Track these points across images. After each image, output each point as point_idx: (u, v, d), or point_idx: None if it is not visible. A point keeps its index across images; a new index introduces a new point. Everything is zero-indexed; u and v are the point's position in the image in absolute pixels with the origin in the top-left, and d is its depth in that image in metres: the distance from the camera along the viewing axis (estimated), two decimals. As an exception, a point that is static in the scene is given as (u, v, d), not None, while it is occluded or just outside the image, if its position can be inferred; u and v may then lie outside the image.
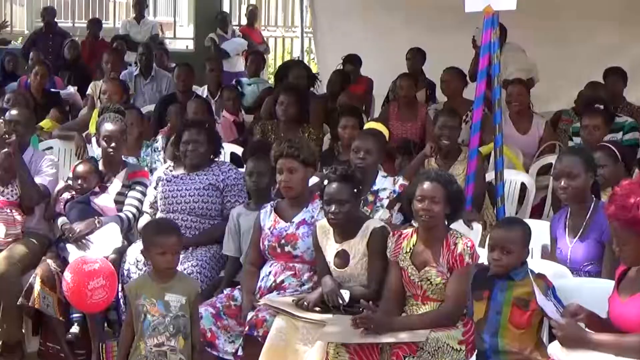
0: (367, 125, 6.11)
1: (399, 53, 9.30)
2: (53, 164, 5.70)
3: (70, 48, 10.56)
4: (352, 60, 9.28)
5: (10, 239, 5.39)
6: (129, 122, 6.06)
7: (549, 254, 4.89)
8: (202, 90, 8.79)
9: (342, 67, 9.14)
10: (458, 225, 4.67)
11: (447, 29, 9.31)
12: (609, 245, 4.37)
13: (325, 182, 4.56)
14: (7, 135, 5.31)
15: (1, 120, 5.45)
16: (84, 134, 7.29)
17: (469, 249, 4.19)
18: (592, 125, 6.12)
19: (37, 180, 5.50)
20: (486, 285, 4.09)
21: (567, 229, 4.68)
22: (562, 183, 4.62)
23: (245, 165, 5.29)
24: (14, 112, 5.75)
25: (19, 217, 5.46)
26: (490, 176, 5.85)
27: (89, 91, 8.58)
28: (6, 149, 5.34)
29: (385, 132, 5.81)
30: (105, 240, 5.23)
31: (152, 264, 4.35)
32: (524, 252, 4.10)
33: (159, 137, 6.73)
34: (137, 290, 4.28)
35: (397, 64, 9.02)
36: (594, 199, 4.67)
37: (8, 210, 5.44)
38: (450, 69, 7.77)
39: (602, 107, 6.51)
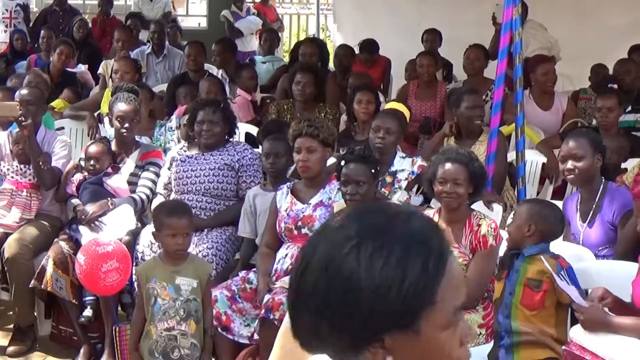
0: (388, 105, 6.01)
1: (414, 29, 9.14)
2: (65, 145, 5.62)
3: (79, 27, 10.41)
4: (369, 47, 8.86)
5: (23, 224, 5.34)
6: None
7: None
8: (218, 70, 8.61)
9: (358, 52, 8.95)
10: (478, 207, 4.59)
11: (464, 5, 9.14)
12: (621, 227, 4.36)
13: (342, 162, 4.48)
14: (22, 118, 5.22)
15: (17, 103, 5.35)
16: (95, 114, 7.18)
17: (492, 230, 4.13)
18: (606, 107, 5.90)
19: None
20: (507, 265, 3.98)
21: (578, 214, 4.61)
22: (569, 165, 4.54)
23: (261, 146, 5.19)
24: (24, 91, 5.64)
25: (35, 203, 5.41)
26: (511, 157, 5.74)
27: (100, 70, 8.44)
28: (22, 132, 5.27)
29: (407, 112, 5.72)
30: (118, 222, 5.17)
31: (162, 246, 4.27)
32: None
33: (173, 117, 6.62)
34: (148, 273, 4.21)
35: (413, 40, 8.87)
36: (603, 180, 4.58)
37: (27, 195, 5.39)
38: (475, 46, 7.65)
39: (615, 86, 6.35)
